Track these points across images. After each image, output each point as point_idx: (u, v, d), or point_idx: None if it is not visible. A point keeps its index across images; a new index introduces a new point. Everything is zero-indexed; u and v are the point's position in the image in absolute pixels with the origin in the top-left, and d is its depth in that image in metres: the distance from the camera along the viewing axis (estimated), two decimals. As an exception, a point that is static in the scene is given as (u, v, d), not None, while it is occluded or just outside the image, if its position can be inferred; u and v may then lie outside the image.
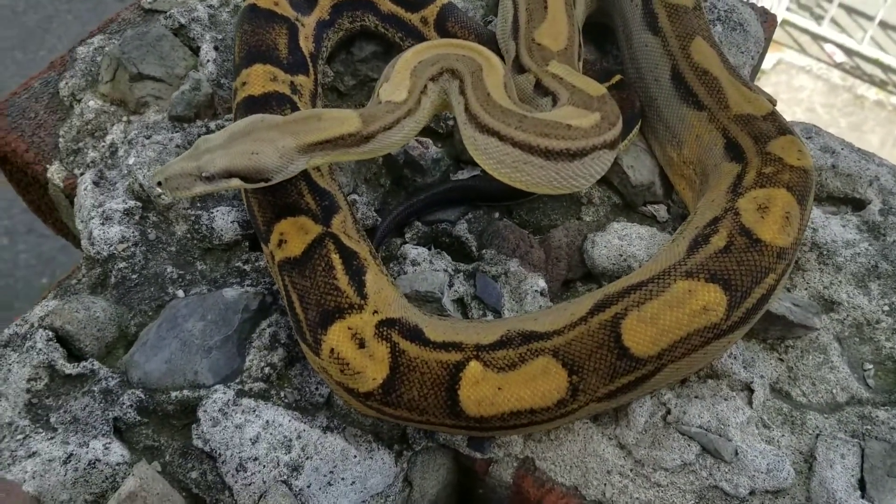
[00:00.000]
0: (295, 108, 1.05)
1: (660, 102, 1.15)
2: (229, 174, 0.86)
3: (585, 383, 0.87)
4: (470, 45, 1.00)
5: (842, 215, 1.18)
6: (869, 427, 0.98)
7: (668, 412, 0.98)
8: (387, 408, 0.89)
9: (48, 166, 1.27)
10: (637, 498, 0.94)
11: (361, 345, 0.90)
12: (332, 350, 0.89)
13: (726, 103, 1.08)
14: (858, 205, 1.20)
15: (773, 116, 1.07)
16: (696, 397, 0.99)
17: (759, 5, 1.51)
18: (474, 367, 0.88)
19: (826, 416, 1.00)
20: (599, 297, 0.92)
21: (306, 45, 1.14)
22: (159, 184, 0.86)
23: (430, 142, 1.18)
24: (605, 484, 0.95)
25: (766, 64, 5.07)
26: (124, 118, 1.27)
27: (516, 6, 1.14)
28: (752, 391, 1.00)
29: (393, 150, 1.01)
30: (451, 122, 1.22)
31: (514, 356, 0.89)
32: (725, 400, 0.98)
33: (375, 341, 0.90)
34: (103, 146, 1.24)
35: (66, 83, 1.33)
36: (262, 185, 0.89)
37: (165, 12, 1.40)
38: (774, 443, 0.97)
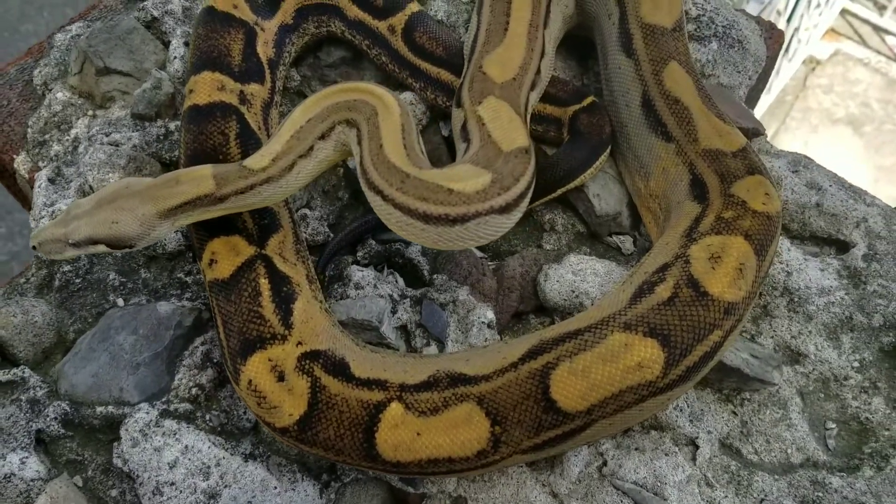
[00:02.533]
0: (241, 119, 1.01)
1: (629, 129, 1.09)
2: (93, 241, 0.88)
3: (508, 435, 0.83)
4: (362, 87, 0.94)
5: (823, 258, 1.11)
6: (820, 494, 0.93)
7: (605, 463, 0.93)
8: (302, 445, 0.86)
9: (15, 156, 1.25)
10: (561, 553, 0.90)
11: (280, 378, 0.86)
12: (249, 381, 0.86)
13: (695, 136, 1.02)
14: (842, 247, 1.12)
15: (744, 153, 1.00)
16: (635, 449, 0.94)
17: (767, 19, 1.42)
18: (395, 409, 0.84)
19: (776, 477, 0.95)
20: (535, 341, 0.88)
21: (265, 50, 1.09)
22: (34, 247, 0.89)
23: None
24: (530, 535, 0.91)
25: (822, 54, 4.87)
26: (90, 112, 1.24)
27: (479, 24, 1.08)
28: (696, 447, 0.95)
29: (261, 206, 0.96)
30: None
31: (437, 400, 0.85)
32: (666, 455, 0.93)
33: (296, 375, 0.87)
34: (67, 140, 1.22)
35: (40, 71, 1.30)
36: (128, 250, 0.91)
37: (145, 1, 1.37)
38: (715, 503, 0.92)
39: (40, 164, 1.22)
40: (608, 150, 1.10)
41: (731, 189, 0.96)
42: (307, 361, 0.87)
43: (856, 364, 1.02)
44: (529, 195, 0.91)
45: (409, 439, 0.83)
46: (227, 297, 0.91)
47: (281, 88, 1.15)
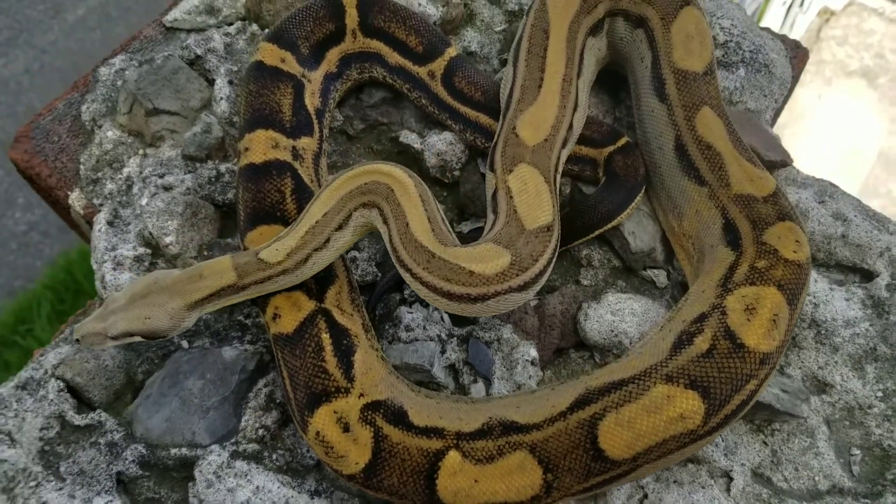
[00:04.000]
0: (296, 174, 1.07)
1: (663, 171, 1.14)
2: (130, 335, 0.97)
3: (559, 481, 0.90)
4: (373, 168, 0.99)
5: (848, 286, 1.16)
6: (845, 521, 1.00)
7: (646, 496, 1.00)
8: (368, 490, 0.94)
9: (69, 193, 1.31)
10: (607, 582, 0.97)
11: (346, 429, 0.93)
12: (317, 433, 0.93)
13: (727, 181, 1.06)
14: (867, 275, 1.18)
15: (775, 198, 1.05)
16: (674, 482, 1.01)
17: (792, 38, 1.45)
18: (453, 457, 0.91)
19: (804, 504, 1.02)
20: (581, 390, 0.94)
21: (312, 101, 1.14)
22: (77, 340, 0.98)
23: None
24: (577, 565, 0.99)
25: (836, 5, 4.82)
26: (141, 151, 1.29)
27: (514, 77, 1.12)
28: (731, 479, 1.01)
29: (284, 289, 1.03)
30: (456, 173, 1.22)
31: (492, 448, 0.91)
32: (703, 488, 1.00)
33: (360, 425, 0.93)
34: (120, 178, 1.28)
35: (88, 107, 1.35)
36: (161, 339, 1.01)
37: (186, 31, 1.41)
38: (748, 532, 0.99)
39: (94, 200, 1.28)
40: (643, 191, 1.15)
41: (763, 236, 1.01)
42: (369, 412, 0.94)
43: (879, 393, 1.08)
44: (549, 270, 0.98)
45: (467, 486, 0.90)
46: (291, 352, 0.97)
47: (328, 136, 1.20)
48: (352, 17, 1.18)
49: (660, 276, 1.17)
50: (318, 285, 1.02)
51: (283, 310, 1.00)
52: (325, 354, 0.96)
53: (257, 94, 1.10)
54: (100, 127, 1.33)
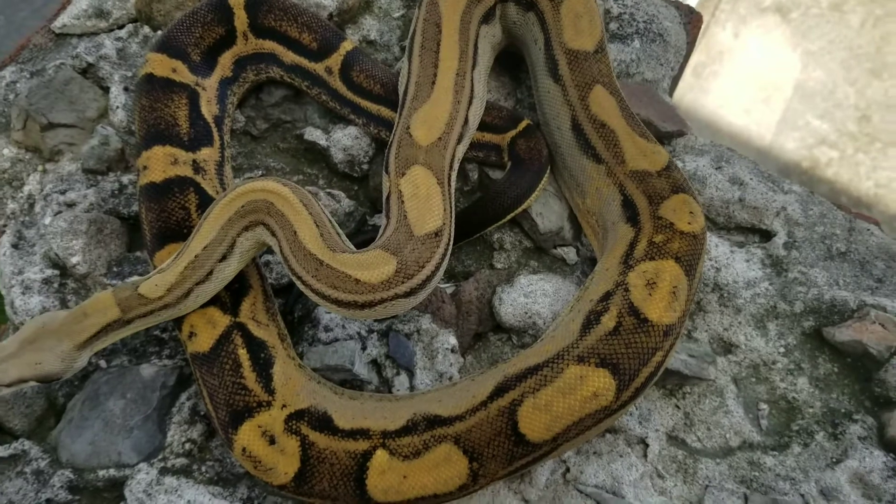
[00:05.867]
0: (199, 189, 1.05)
1: (563, 150, 1.16)
2: (24, 381, 0.96)
3: (485, 469, 0.93)
4: (249, 188, 0.98)
5: (748, 247, 1.21)
6: (756, 474, 1.06)
7: (568, 470, 1.04)
8: (300, 497, 0.95)
9: (-32, 214, 1.27)
10: (538, 556, 1.02)
11: (272, 441, 0.94)
12: (243, 449, 0.94)
13: (622, 157, 1.10)
14: (765, 235, 1.23)
15: (668, 171, 1.08)
16: (594, 453, 1.05)
17: (686, 3, 1.48)
18: (380, 456, 0.94)
19: (718, 461, 1.07)
20: (500, 378, 0.97)
21: (209, 109, 1.12)
22: None
23: (343, 195, 1.19)
24: (509, 542, 1.03)
25: None
26: (40, 167, 1.26)
27: (409, 74, 1.13)
28: (647, 445, 1.06)
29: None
30: (364, 167, 1.23)
31: (418, 443, 0.94)
32: (621, 456, 1.05)
33: (285, 436, 0.95)
34: (21, 197, 1.25)
35: (-21, 124, 1.31)
36: (55, 382, 1.01)
37: (77, 36, 1.37)
38: (667, 493, 1.05)
39: (-3, 220, 1.25)
40: (548, 172, 1.18)
41: (658, 210, 1.05)
42: (293, 422, 0.95)
43: (781, 349, 1.14)
44: (439, 274, 1.00)
45: (396, 483, 0.93)
46: (210, 371, 0.97)
47: (229, 142, 1.19)
48: (241, 20, 1.16)
49: (569, 254, 1.20)
50: (232, 298, 1.02)
51: (198, 327, 0.99)
52: (243, 371, 0.97)
53: (150, 109, 1.08)
54: (-5, 144, 1.29)
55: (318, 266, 0.94)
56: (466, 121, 1.11)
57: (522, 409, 0.93)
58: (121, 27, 1.37)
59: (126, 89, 1.26)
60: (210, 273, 0.98)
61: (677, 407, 1.11)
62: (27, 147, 1.27)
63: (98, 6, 1.37)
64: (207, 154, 1.09)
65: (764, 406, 1.12)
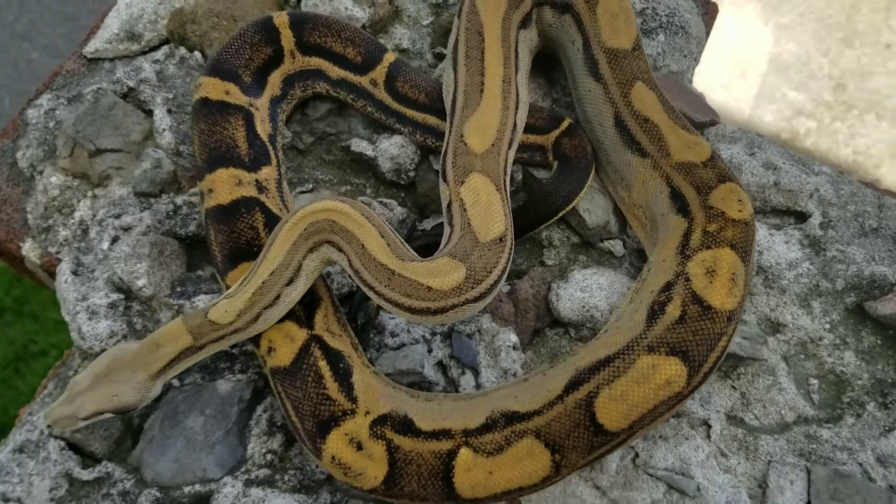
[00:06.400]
0: (264, 208, 1.08)
1: (607, 146, 1.20)
2: (100, 413, 0.99)
3: (567, 459, 0.97)
4: (310, 210, 1.00)
5: (785, 229, 1.26)
6: (814, 447, 1.11)
7: (637, 455, 1.09)
8: (391, 499, 0.99)
9: (21, 244, 1.29)
10: (616, 539, 1.06)
11: (359, 447, 0.98)
12: (333, 457, 0.97)
13: (667, 151, 1.13)
14: (801, 217, 1.28)
15: (713, 161, 1.13)
16: (660, 438, 1.09)
17: (700, -6, 1.53)
18: (465, 454, 0.97)
19: (776, 437, 1.12)
20: (571, 372, 1.01)
21: (264, 129, 1.15)
22: (49, 425, 1.00)
23: (395, 203, 1.22)
24: (586, 528, 1.07)
25: None
26: (90, 193, 1.28)
27: (456, 83, 1.15)
28: (709, 426, 1.11)
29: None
30: (411, 174, 1.26)
31: (500, 439, 0.98)
32: (686, 439, 1.09)
33: (371, 442, 0.98)
34: (73, 223, 1.26)
35: (24, 154, 1.32)
36: (132, 412, 1.05)
37: (110, 60, 1.39)
38: (732, 471, 1.09)
39: (50, 248, 1.26)
40: (594, 169, 1.21)
41: (708, 200, 1.09)
42: (378, 427, 0.99)
43: (827, 325, 1.19)
44: (504, 278, 1.03)
45: (483, 479, 0.97)
46: (292, 384, 1.00)
47: (282, 158, 1.21)
48: (287, 38, 1.18)
49: (616, 246, 1.24)
50: (305, 311, 1.05)
51: (276, 342, 1.02)
52: (325, 382, 1.00)
53: (209, 133, 1.10)
54: (40, 173, 1.30)
55: (390, 276, 0.97)
56: (515, 125, 1.14)
57: (599, 400, 0.97)
58: (153, 49, 1.39)
59: (170, 111, 1.29)
60: (277, 297, 1.00)
61: (734, 388, 1.16)
62: (74, 174, 1.29)
63: (129, 29, 1.39)
64: (267, 173, 1.12)
65: (814, 381, 1.16)
